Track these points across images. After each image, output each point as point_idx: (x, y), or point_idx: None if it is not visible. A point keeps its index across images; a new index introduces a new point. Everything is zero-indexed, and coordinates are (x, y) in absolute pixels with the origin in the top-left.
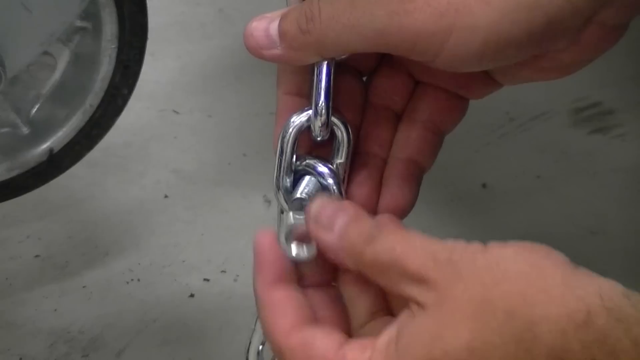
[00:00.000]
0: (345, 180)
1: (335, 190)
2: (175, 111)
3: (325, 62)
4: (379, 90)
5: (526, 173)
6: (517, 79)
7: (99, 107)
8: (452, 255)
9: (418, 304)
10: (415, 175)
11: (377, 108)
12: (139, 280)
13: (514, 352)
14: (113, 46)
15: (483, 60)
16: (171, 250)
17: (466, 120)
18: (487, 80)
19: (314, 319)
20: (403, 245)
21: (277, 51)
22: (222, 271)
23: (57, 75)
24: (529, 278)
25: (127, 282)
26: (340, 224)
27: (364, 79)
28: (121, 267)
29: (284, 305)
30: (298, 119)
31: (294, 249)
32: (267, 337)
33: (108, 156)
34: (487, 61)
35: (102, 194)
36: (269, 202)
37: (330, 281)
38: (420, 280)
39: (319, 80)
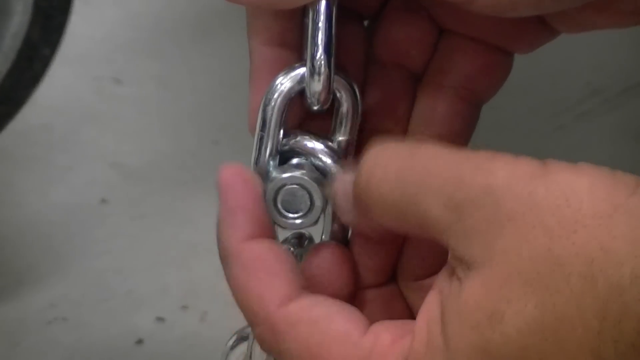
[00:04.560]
0: None
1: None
2: (116, 80)
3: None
4: (388, 41)
5: (616, 167)
6: (582, 25)
7: (9, 74)
8: (491, 178)
9: (459, 259)
10: None
11: (387, 67)
12: (65, 319)
13: (597, 329)
14: None
15: (545, 0)
16: (111, 277)
17: (531, 94)
18: (540, 27)
19: (315, 288)
20: (417, 169)
21: None
22: (183, 307)
23: None
24: (611, 224)
25: (49, 322)
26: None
27: (365, 24)
28: (41, 302)
29: (275, 263)
30: (287, 81)
31: (290, 215)
32: (251, 313)
33: (22, 144)
34: (550, 1)
35: (13, 198)
36: None
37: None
38: (452, 220)
39: (316, 25)
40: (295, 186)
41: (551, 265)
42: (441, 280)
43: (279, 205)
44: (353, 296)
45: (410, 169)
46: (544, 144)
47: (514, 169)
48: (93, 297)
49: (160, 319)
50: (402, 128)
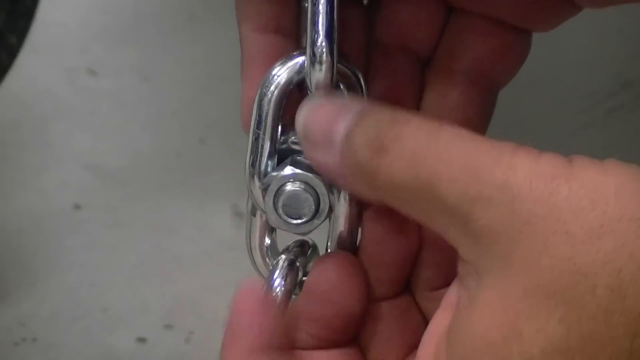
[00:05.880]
0: None
1: None
2: (91, 71)
3: None
4: (392, 23)
5: None
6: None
7: None
8: (510, 174)
9: (469, 265)
10: None
11: (392, 51)
12: (34, 340)
13: (629, 348)
14: None
15: None
16: (86, 292)
17: (555, 86)
18: (560, 1)
19: (324, 307)
20: (432, 154)
21: None
22: (167, 326)
23: None
24: None
25: (16, 344)
26: (341, 131)
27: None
28: (7, 320)
29: None
30: (284, 71)
31: (281, 213)
32: None
33: None
34: None
35: None
36: (240, 215)
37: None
38: (464, 219)
39: (316, 8)
40: (297, 187)
41: (574, 276)
42: (449, 297)
43: (280, 210)
44: (365, 311)
45: (426, 154)
46: (570, 143)
47: (536, 165)
48: (66, 314)
49: (141, 340)
50: None
